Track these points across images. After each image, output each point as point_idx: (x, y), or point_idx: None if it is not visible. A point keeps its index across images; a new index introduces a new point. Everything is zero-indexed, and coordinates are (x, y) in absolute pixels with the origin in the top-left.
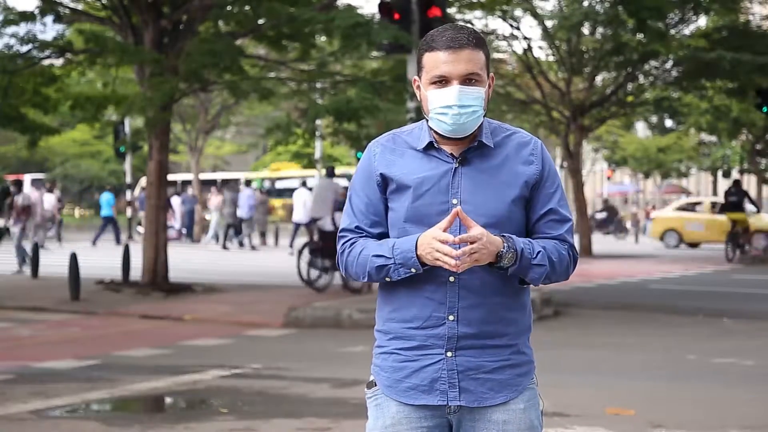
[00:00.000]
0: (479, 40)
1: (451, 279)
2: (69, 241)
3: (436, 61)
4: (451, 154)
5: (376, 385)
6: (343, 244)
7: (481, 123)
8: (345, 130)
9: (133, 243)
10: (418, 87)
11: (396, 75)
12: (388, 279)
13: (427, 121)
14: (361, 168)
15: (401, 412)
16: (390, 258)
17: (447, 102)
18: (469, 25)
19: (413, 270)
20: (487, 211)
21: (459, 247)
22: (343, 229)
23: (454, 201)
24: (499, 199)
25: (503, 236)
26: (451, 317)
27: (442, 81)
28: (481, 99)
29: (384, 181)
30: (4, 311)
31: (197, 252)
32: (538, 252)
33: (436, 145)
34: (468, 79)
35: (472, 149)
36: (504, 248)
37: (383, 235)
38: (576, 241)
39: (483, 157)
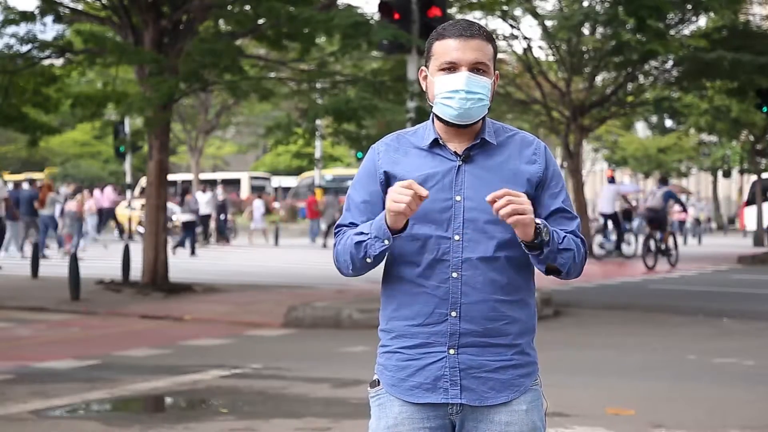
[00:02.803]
0: (489, 35)
1: (454, 275)
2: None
3: (447, 47)
4: (455, 152)
5: (379, 384)
6: (336, 236)
7: (485, 121)
8: (345, 130)
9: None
10: (425, 77)
11: (396, 75)
12: (368, 260)
13: (431, 108)
14: (364, 166)
15: (404, 412)
16: (367, 234)
17: (455, 86)
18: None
19: (386, 242)
20: (491, 209)
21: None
22: (339, 225)
23: (458, 198)
24: None
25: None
26: (453, 313)
27: (451, 67)
28: (488, 89)
29: (387, 180)
30: (4, 311)
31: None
32: (564, 237)
33: (440, 142)
34: (476, 68)
35: (475, 146)
36: (540, 223)
37: None
38: None
39: (486, 154)
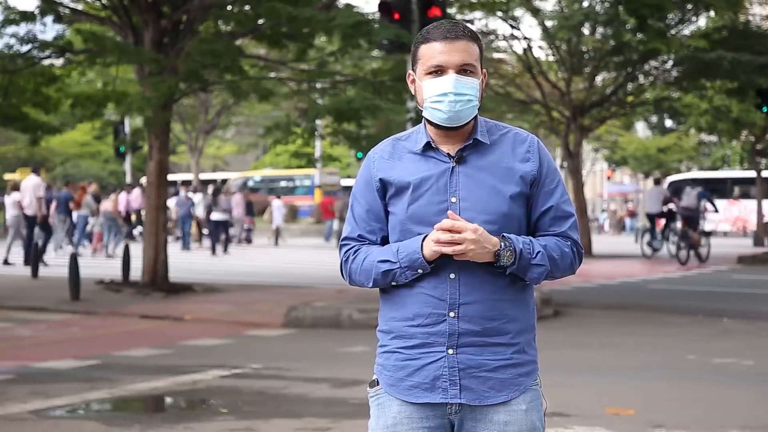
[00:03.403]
0: (473, 34)
1: (452, 276)
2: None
3: (433, 51)
4: (448, 153)
5: (378, 384)
6: (346, 252)
7: (476, 121)
8: (344, 130)
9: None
10: (413, 81)
11: (396, 75)
12: (394, 283)
13: (422, 113)
14: (361, 176)
15: (403, 412)
16: (395, 262)
17: (443, 90)
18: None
19: (420, 270)
20: (486, 209)
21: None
22: (345, 238)
23: (453, 199)
24: (498, 196)
25: (502, 236)
26: (451, 314)
27: (438, 71)
28: (476, 89)
29: (383, 187)
30: (4, 311)
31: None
32: (538, 252)
33: (433, 144)
34: (463, 70)
35: (468, 147)
36: (501, 247)
37: (384, 242)
38: None
39: (480, 154)
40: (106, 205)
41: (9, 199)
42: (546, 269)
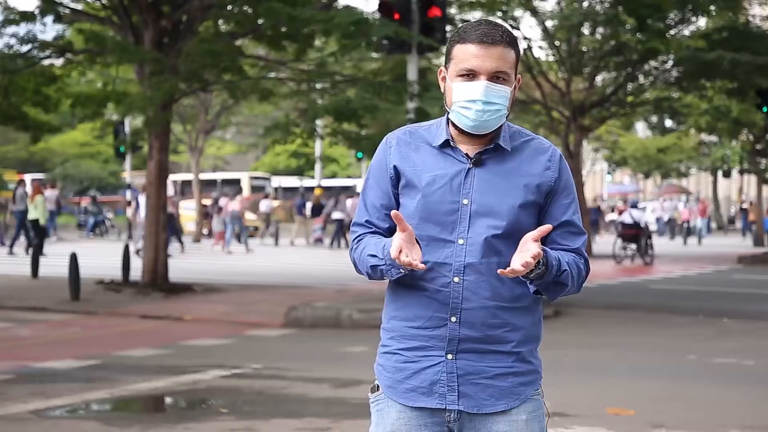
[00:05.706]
0: (512, 39)
1: (456, 279)
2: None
3: (467, 53)
4: (466, 154)
5: (378, 389)
6: (353, 240)
7: (502, 125)
8: (344, 130)
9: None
10: (444, 78)
11: (396, 75)
12: (385, 278)
13: (448, 113)
14: (375, 160)
15: (401, 418)
16: (382, 259)
17: (472, 96)
18: (503, 23)
19: (402, 271)
20: (496, 214)
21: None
22: (355, 224)
23: (465, 201)
24: (510, 203)
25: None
26: (453, 318)
27: (470, 75)
28: (506, 98)
29: (396, 175)
30: (4, 311)
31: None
32: (564, 271)
33: (452, 143)
34: (496, 77)
35: (488, 151)
36: (539, 262)
37: (393, 230)
38: None
39: (498, 160)
40: (233, 205)
41: (141, 199)
42: (566, 289)
